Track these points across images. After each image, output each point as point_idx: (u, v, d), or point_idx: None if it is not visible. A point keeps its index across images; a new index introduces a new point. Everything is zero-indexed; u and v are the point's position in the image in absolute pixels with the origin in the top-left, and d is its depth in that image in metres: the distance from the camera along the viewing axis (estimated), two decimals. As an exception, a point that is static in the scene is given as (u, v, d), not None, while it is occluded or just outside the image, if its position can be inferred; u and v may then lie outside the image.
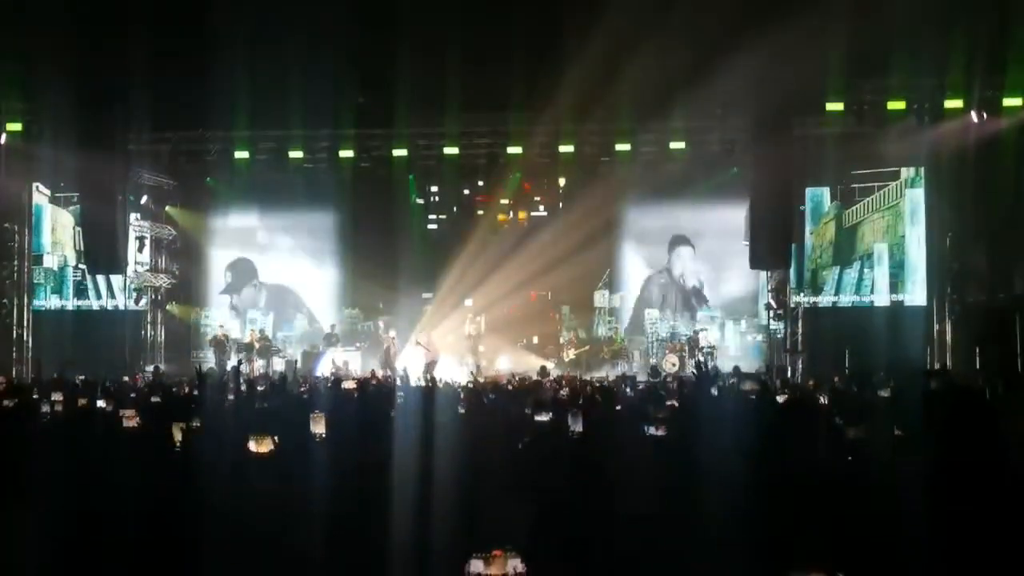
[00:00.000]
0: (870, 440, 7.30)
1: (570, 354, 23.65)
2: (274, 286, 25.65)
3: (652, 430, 7.69)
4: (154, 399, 10.51)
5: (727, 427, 7.08)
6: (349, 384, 11.26)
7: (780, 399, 10.71)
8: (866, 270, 22.09)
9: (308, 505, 5.82)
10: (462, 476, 5.86)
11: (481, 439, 7.04)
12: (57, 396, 9.88)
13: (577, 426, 7.45)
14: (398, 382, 13.01)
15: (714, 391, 9.54)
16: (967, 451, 4.87)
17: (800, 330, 22.44)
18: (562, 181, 24.56)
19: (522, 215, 25.15)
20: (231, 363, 21.69)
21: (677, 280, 24.15)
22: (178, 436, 7.63)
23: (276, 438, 6.64)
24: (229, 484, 6.16)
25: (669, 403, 9.57)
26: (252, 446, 6.58)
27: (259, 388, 12.49)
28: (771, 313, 23.01)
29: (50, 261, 23.98)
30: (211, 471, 6.43)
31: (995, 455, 4.86)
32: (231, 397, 10.74)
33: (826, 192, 22.48)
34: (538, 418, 7.85)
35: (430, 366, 21.11)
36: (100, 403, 9.89)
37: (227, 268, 25.66)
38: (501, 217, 25.03)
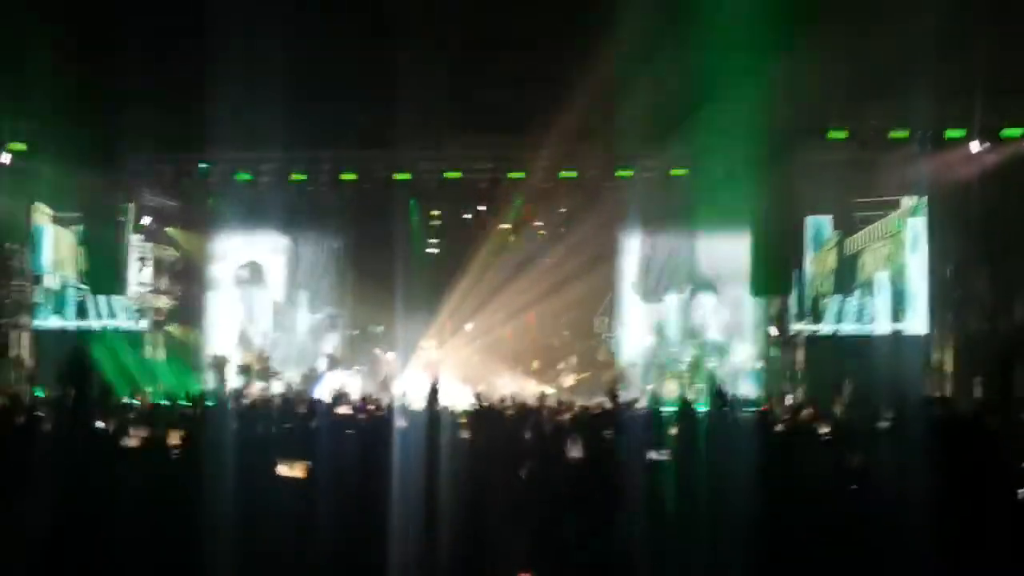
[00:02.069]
0: (872, 468, 7.29)
1: (569, 380, 23.60)
2: (271, 303, 25.63)
3: (654, 455, 7.68)
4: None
5: (728, 454, 7.06)
6: (345, 409, 11.17)
7: (779, 427, 10.73)
8: (867, 298, 22.07)
9: (310, 530, 5.81)
10: (466, 506, 5.85)
11: (484, 467, 7.02)
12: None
13: (576, 452, 7.43)
14: (396, 405, 12.96)
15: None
16: (969, 479, 4.86)
17: (800, 358, 22.40)
18: (564, 206, 24.56)
19: (523, 239, 25.13)
20: (231, 386, 21.72)
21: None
22: (175, 440, 7.61)
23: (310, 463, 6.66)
24: (232, 502, 6.15)
25: (670, 430, 9.55)
26: (283, 470, 6.59)
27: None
28: (771, 341, 23.00)
29: (51, 281, 23.93)
30: (211, 487, 6.43)
31: (996, 482, 4.85)
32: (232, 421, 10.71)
33: (828, 220, 22.48)
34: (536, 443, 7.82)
35: (433, 390, 21.02)
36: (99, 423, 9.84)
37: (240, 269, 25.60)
38: (502, 241, 25.02)
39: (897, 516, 5.58)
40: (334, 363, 23.40)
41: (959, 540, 4.75)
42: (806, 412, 15.20)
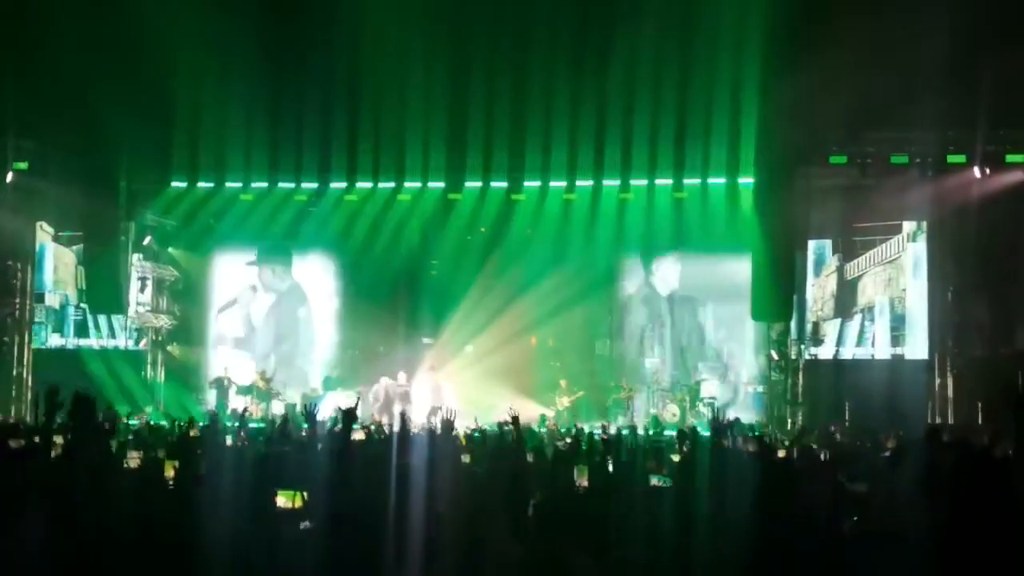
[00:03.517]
0: (875, 497, 7.28)
1: (569, 402, 23.51)
2: (274, 323, 25.61)
3: (656, 482, 7.66)
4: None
5: (731, 483, 7.05)
6: (358, 435, 11.03)
7: (781, 453, 10.71)
8: (867, 323, 22.07)
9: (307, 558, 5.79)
10: (467, 535, 5.82)
11: (485, 493, 6.99)
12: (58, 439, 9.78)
13: (583, 481, 7.41)
14: (397, 428, 12.89)
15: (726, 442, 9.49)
16: (977, 509, 4.84)
17: (801, 382, 22.38)
18: (565, 228, 24.57)
19: (525, 261, 25.12)
20: (232, 406, 21.71)
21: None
22: (170, 473, 7.59)
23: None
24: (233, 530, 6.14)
25: (673, 456, 9.56)
26: (280, 501, 6.59)
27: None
28: (772, 364, 22.99)
29: (52, 299, 23.96)
30: (211, 515, 6.41)
31: (1006, 513, 4.83)
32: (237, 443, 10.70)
33: (828, 244, 22.51)
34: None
35: (433, 411, 21.08)
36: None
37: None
38: (504, 263, 25.00)
39: (899, 545, 5.57)
40: (335, 384, 23.34)
41: (964, 569, 4.73)
42: (807, 437, 15.20)
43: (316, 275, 25.40)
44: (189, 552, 6.04)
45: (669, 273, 24.28)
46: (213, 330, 25.38)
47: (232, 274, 25.48)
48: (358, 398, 11.51)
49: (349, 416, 6.33)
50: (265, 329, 25.47)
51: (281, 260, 25.43)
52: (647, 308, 24.42)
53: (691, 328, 24.20)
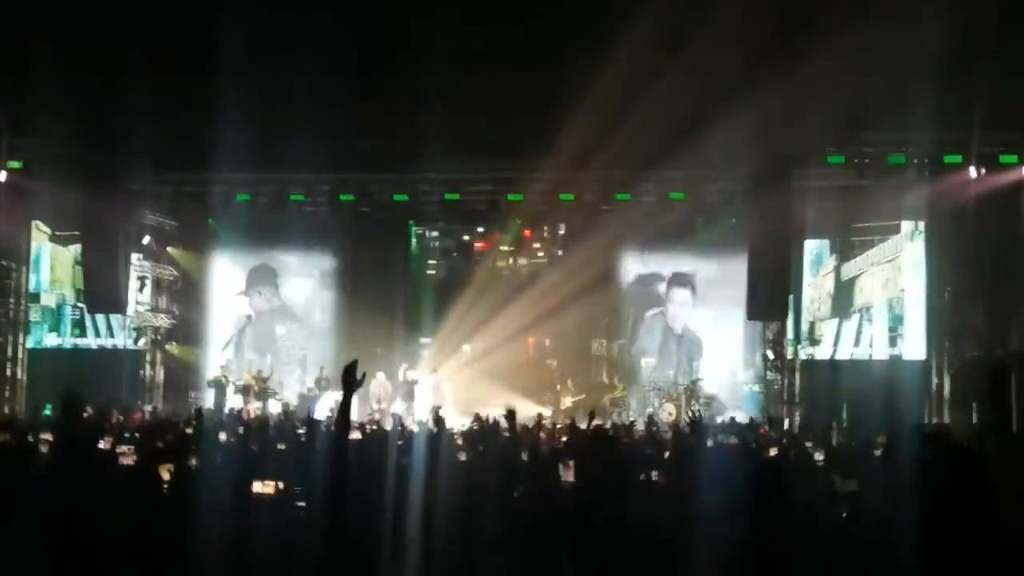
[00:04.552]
0: (865, 496, 7.30)
1: (567, 402, 23.53)
2: (272, 325, 25.62)
3: (648, 477, 7.68)
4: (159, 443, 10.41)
5: (721, 480, 7.06)
6: (354, 435, 11.02)
7: (773, 451, 10.74)
8: (864, 323, 22.08)
9: (306, 553, 5.80)
10: (459, 528, 5.84)
11: (479, 489, 7.01)
12: (46, 435, 9.80)
13: (569, 476, 7.42)
14: (393, 427, 12.91)
15: (709, 442, 9.51)
16: (962, 509, 4.87)
17: (797, 382, 22.39)
18: (562, 228, 24.61)
19: (522, 262, 25.16)
20: (229, 405, 21.70)
21: (670, 323, 24.16)
22: (166, 476, 7.59)
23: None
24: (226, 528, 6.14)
25: (666, 454, 9.57)
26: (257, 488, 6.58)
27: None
28: (768, 364, 23.00)
29: (48, 299, 23.96)
30: (205, 514, 6.41)
31: (989, 513, 4.85)
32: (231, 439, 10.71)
33: (826, 244, 22.52)
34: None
35: (435, 410, 21.08)
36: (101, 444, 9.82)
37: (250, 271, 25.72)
38: (500, 263, 25.05)
39: (890, 544, 5.59)
40: (330, 384, 23.35)
41: (952, 568, 4.75)
42: (802, 437, 15.21)
43: (312, 274, 25.42)
44: (183, 549, 6.04)
45: (665, 273, 24.32)
46: (211, 330, 25.44)
47: (230, 276, 25.52)
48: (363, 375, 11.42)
49: (350, 382, 6.03)
50: (261, 329, 25.50)
51: (268, 281, 25.53)
52: (643, 307, 24.47)
53: (688, 328, 24.25)
